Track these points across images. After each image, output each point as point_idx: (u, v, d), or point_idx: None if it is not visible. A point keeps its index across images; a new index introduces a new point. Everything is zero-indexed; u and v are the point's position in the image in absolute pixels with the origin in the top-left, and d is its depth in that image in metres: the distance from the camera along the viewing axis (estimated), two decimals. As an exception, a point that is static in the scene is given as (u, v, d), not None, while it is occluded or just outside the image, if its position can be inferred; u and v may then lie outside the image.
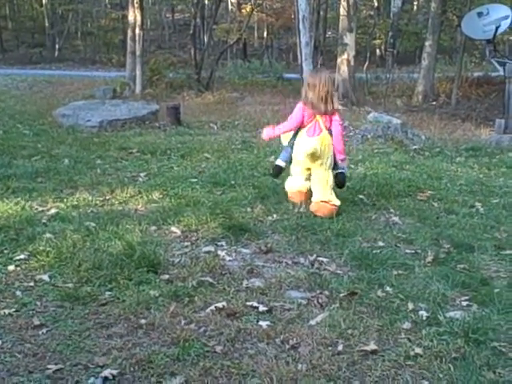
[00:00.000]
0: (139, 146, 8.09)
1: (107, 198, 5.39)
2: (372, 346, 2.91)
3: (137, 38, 16.01)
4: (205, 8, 24.29)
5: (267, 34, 31.17)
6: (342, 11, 17.12)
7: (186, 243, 4.27)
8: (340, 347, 2.91)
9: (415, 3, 31.56)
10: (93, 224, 4.48)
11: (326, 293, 3.51)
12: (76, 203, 5.15)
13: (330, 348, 2.90)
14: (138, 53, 15.94)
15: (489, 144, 9.49)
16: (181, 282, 3.58)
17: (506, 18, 10.64)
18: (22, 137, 8.50)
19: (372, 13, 28.39)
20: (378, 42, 26.47)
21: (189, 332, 2.97)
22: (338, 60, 17.16)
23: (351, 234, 4.57)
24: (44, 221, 4.60)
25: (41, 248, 3.93)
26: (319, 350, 2.88)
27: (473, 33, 11.53)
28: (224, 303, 3.29)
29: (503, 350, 2.92)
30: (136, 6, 16.03)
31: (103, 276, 3.55)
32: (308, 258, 4.07)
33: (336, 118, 5.11)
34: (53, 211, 4.86)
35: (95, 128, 9.62)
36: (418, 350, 2.88)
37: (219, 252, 4.09)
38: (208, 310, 3.22)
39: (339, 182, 5.20)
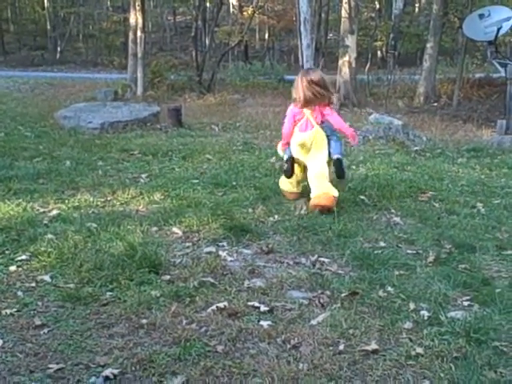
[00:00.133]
0: (141, 147, 8.10)
1: (109, 199, 5.39)
2: (373, 346, 2.91)
3: (138, 40, 16.05)
4: (206, 10, 24.31)
5: (268, 36, 31.22)
6: (344, 13, 17.15)
7: (187, 244, 4.27)
8: (341, 347, 2.91)
9: (417, 5, 31.58)
10: (94, 225, 4.48)
11: (328, 293, 3.51)
12: (77, 204, 5.15)
13: (331, 348, 2.90)
14: (139, 55, 15.97)
15: (490, 145, 9.49)
16: (182, 282, 3.58)
17: (508, 19, 10.64)
18: (23, 139, 8.51)
19: (373, 15, 28.44)
20: (379, 43, 26.50)
21: (190, 332, 2.97)
22: (340, 62, 17.19)
23: (352, 234, 4.56)
24: (45, 222, 4.60)
25: (42, 249, 3.93)
26: (320, 349, 2.88)
27: (474, 34, 11.54)
28: (225, 303, 3.29)
29: (504, 349, 2.92)
30: (137, 8, 16.07)
31: (104, 276, 3.55)
32: (309, 258, 4.07)
33: (327, 110, 5.24)
34: (54, 212, 4.86)
35: (97, 130, 9.63)
36: (420, 350, 2.88)
37: (220, 252, 4.09)
38: (209, 310, 3.22)
39: (337, 169, 5.26)
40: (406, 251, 4.29)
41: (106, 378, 2.57)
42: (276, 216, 4.96)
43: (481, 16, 10.97)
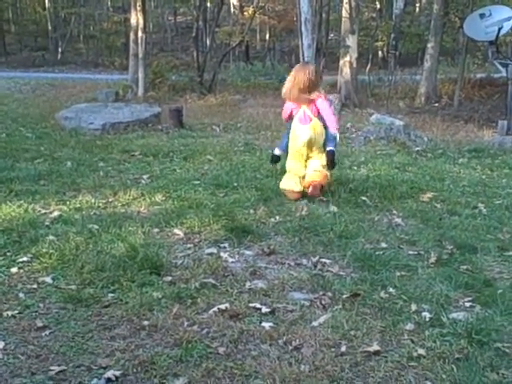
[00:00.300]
0: (142, 148, 8.11)
1: (110, 200, 5.39)
2: (375, 347, 2.91)
3: (139, 40, 16.05)
4: (207, 11, 24.30)
5: (269, 37, 31.20)
6: (344, 13, 17.14)
7: (188, 245, 4.27)
8: (343, 348, 2.91)
9: (417, 5, 31.54)
10: (96, 226, 4.48)
11: (329, 294, 3.51)
12: (79, 206, 5.15)
13: (332, 349, 2.90)
14: (140, 55, 15.97)
15: (491, 145, 9.48)
16: (183, 283, 3.58)
17: (509, 19, 10.63)
18: (24, 140, 8.52)
19: (374, 15, 28.45)
20: (380, 44, 26.48)
21: (192, 333, 2.98)
22: (341, 62, 17.17)
23: (354, 235, 4.56)
24: (47, 223, 4.60)
25: (44, 250, 3.93)
26: (322, 351, 2.88)
27: (475, 34, 11.53)
28: (227, 305, 3.29)
29: (506, 350, 2.91)
30: (138, 9, 16.08)
31: (106, 278, 3.55)
32: (311, 259, 4.07)
33: (319, 102, 5.40)
34: (55, 214, 4.86)
35: (98, 131, 9.64)
36: (421, 351, 2.88)
37: (222, 254, 4.10)
38: (211, 312, 3.22)
39: (329, 160, 5.52)
40: (408, 252, 4.29)
41: (108, 379, 2.58)
42: (277, 217, 4.96)
43: (482, 16, 10.96)
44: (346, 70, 16.83)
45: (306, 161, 5.61)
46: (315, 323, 3.15)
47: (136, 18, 16.29)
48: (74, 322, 3.08)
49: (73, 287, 3.45)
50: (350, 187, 5.92)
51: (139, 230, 4.45)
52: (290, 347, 2.90)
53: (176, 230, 4.53)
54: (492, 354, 2.88)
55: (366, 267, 3.93)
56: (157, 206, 5.20)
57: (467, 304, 3.46)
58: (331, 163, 5.57)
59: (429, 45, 18.14)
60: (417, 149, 8.77)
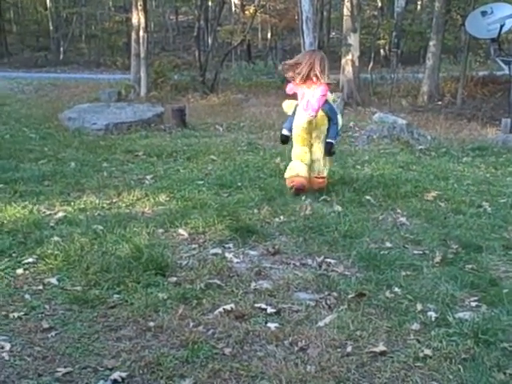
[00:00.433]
0: (145, 148, 8.11)
1: (114, 200, 5.39)
2: (381, 348, 2.90)
3: (141, 40, 16.06)
4: (208, 10, 24.31)
5: (271, 35, 31.17)
6: (346, 12, 17.13)
7: (193, 245, 4.27)
8: (349, 349, 2.90)
9: (419, 3, 31.52)
10: (100, 227, 4.48)
11: (334, 294, 3.50)
12: (83, 206, 5.15)
13: (338, 350, 2.90)
14: (142, 55, 15.99)
15: (495, 143, 9.47)
16: (189, 284, 3.57)
17: (511, 16, 10.62)
18: (28, 140, 8.53)
19: (376, 13, 28.40)
20: (382, 42, 26.46)
21: (197, 334, 2.97)
22: (343, 61, 17.16)
23: (359, 234, 4.56)
24: (52, 224, 4.60)
25: (49, 251, 3.93)
26: (328, 351, 2.87)
27: (477, 32, 11.54)
28: (232, 305, 3.28)
29: (513, 350, 2.91)
30: (140, 8, 16.09)
31: (111, 279, 3.55)
32: (316, 259, 4.06)
33: (320, 89, 5.52)
34: (60, 214, 4.86)
35: (101, 131, 9.65)
36: (428, 352, 2.87)
37: (227, 254, 4.09)
38: (216, 312, 3.22)
39: (326, 150, 5.77)
40: (413, 251, 4.29)
41: (114, 381, 2.57)
42: (282, 217, 4.96)
43: (483, 13, 10.96)
44: (348, 69, 16.82)
45: (309, 148, 5.79)
46: (321, 323, 3.14)
47: (137, 17, 16.30)
48: (79, 323, 3.08)
49: (78, 288, 3.45)
50: (354, 186, 5.92)
51: (144, 230, 4.45)
52: (296, 348, 2.90)
53: (180, 231, 4.53)
54: (499, 353, 2.87)
55: (371, 267, 3.93)
56: (161, 207, 5.20)
57: (473, 303, 3.45)
58: (328, 153, 5.83)
59: (431, 43, 18.12)
60: (420, 147, 8.77)
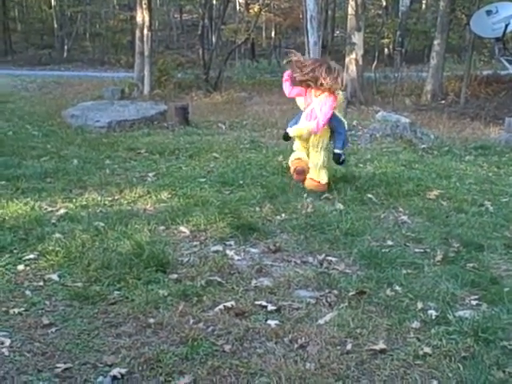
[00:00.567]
0: (148, 146, 8.11)
1: (116, 198, 5.40)
2: (381, 346, 2.91)
3: (145, 38, 16.06)
4: (213, 8, 24.30)
5: (275, 34, 31.16)
6: (350, 10, 17.08)
7: (194, 243, 4.28)
8: (349, 346, 2.90)
9: (424, 2, 31.44)
10: (102, 224, 4.49)
11: (335, 292, 3.51)
12: (85, 203, 5.17)
13: (338, 347, 2.90)
14: (146, 53, 15.99)
15: (498, 143, 9.44)
16: (189, 281, 3.58)
17: (516, 16, 10.59)
18: (31, 137, 8.54)
19: (380, 12, 28.36)
20: (386, 41, 26.39)
21: (197, 331, 2.98)
22: (347, 59, 17.12)
23: (360, 233, 4.56)
24: (53, 221, 4.62)
25: (50, 248, 3.94)
26: (328, 349, 2.88)
27: (482, 31, 11.51)
28: (232, 302, 3.29)
29: (513, 349, 2.91)
30: (144, 6, 16.08)
31: (112, 275, 3.56)
32: (317, 257, 4.07)
33: (328, 103, 5.56)
34: (62, 211, 4.88)
35: (104, 128, 9.65)
36: (427, 350, 2.88)
37: (228, 251, 4.10)
38: (216, 309, 3.23)
39: (335, 161, 5.87)
40: (414, 250, 4.28)
41: (114, 377, 2.59)
42: (283, 214, 4.96)
43: (488, 12, 10.94)
44: (352, 68, 16.78)
45: (307, 153, 5.87)
46: (321, 321, 3.15)
47: (142, 15, 16.30)
48: (80, 319, 3.09)
49: (79, 285, 3.46)
50: (356, 185, 5.91)
51: (145, 227, 4.46)
52: (296, 345, 2.91)
53: (182, 228, 4.54)
54: (498, 352, 2.88)
55: (372, 265, 3.93)
56: (163, 204, 5.20)
57: (473, 302, 3.45)
58: (338, 164, 5.95)
59: (435, 42, 18.06)
60: (423, 146, 8.74)
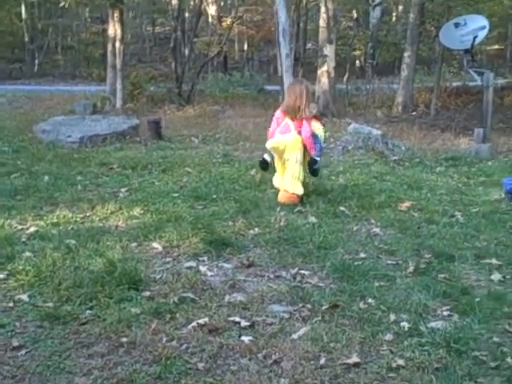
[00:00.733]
0: (120, 161, 8.06)
1: (88, 214, 5.35)
2: (354, 359, 2.91)
3: (117, 51, 15.99)
4: (185, 21, 24.34)
5: (248, 47, 31.32)
6: (322, 23, 17.25)
7: (167, 259, 4.25)
8: (322, 361, 2.91)
9: (394, 14, 31.91)
10: (73, 241, 4.44)
11: (308, 306, 3.51)
12: (56, 220, 5.10)
13: (312, 362, 2.90)
14: (118, 67, 15.92)
15: (468, 153, 9.59)
16: (162, 298, 3.56)
17: (483, 28, 10.77)
18: (1, 154, 8.41)
19: (351, 24, 28.67)
20: (357, 53, 26.70)
21: (170, 349, 2.96)
22: (319, 71, 17.26)
23: (333, 246, 4.58)
24: (23, 239, 4.55)
25: (20, 267, 3.88)
26: (302, 364, 2.87)
27: (450, 43, 11.66)
28: (206, 319, 3.27)
29: (484, 359, 2.94)
30: (116, 19, 16.02)
31: (84, 294, 3.52)
32: (290, 271, 4.07)
33: (308, 122, 5.86)
34: (32, 229, 4.81)
35: (75, 144, 9.56)
36: (401, 362, 2.89)
37: (201, 267, 4.08)
38: (190, 327, 3.21)
39: (309, 167, 5.96)
40: (386, 262, 4.31)
41: (86, 399, 2.55)
42: (256, 229, 4.96)
43: (457, 25, 11.09)
44: (324, 80, 16.92)
45: (282, 166, 6.03)
46: (295, 336, 3.15)
47: (114, 28, 16.24)
48: (50, 340, 3.05)
49: (50, 305, 3.41)
50: (328, 197, 5.95)
51: (117, 244, 4.42)
52: (270, 361, 2.90)
53: (154, 244, 4.51)
54: (470, 362, 2.90)
55: (345, 278, 3.94)
56: (135, 220, 5.17)
57: (445, 313, 3.48)
58: (311, 170, 6.02)
59: (405, 54, 18.33)
60: (394, 158, 8.84)
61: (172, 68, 20.05)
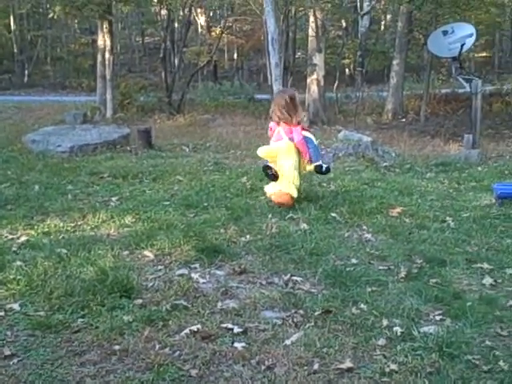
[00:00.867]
0: (110, 170, 8.03)
1: (79, 223, 5.33)
2: (348, 364, 2.91)
3: (107, 62, 16.03)
4: (175, 31, 24.40)
5: (237, 56, 31.44)
6: (311, 32, 17.37)
7: (159, 267, 4.24)
8: (316, 366, 2.90)
9: (382, 23, 32.15)
10: (64, 250, 4.42)
11: (301, 312, 3.51)
12: (47, 230, 5.08)
13: (305, 367, 2.90)
14: (108, 77, 15.95)
15: (458, 159, 9.64)
16: (154, 306, 3.54)
17: (471, 35, 10.88)
18: (-10, 164, 8.38)
19: (340, 33, 28.82)
20: (347, 61, 26.86)
21: (163, 356, 2.95)
22: (308, 80, 17.36)
23: (325, 252, 4.58)
24: (14, 249, 4.53)
25: (11, 276, 3.86)
26: (295, 369, 2.87)
27: (439, 51, 11.77)
28: (199, 326, 3.27)
29: (477, 362, 2.95)
30: (105, 30, 16.08)
31: (75, 303, 3.50)
32: (282, 277, 4.07)
33: (297, 128, 5.97)
34: (23, 239, 4.79)
35: (66, 153, 9.52)
36: (394, 366, 2.89)
37: (193, 275, 4.07)
38: (182, 334, 3.20)
39: (319, 172, 6.18)
40: (378, 267, 4.32)
41: (78, 407, 2.53)
42: (248, 236, 4.96)
43: (444, 33, 11.19)
44: (314, 88, 17.01)
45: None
46: (287, 342, 3.14)
47: (103, 39, 16.28)
48: (42, 349, 3.03)
49: (41, 313, 3.39)
50: (319, 204, 5.96)
51: (109, 252, 4.41)
52: (263, 367, 2.89)
53: (146, 252, 4.50)
54: (463, 366, 2.91)
55: (337, 284, 3.95)
56: (126, 228, 5.15)
57: (437, 317, 3.49)
58: (322, 174, 6.25)
59: (394, 62, 18.48)
60: (385, 164, 8.87)
61: (162, 77, 20.12)
